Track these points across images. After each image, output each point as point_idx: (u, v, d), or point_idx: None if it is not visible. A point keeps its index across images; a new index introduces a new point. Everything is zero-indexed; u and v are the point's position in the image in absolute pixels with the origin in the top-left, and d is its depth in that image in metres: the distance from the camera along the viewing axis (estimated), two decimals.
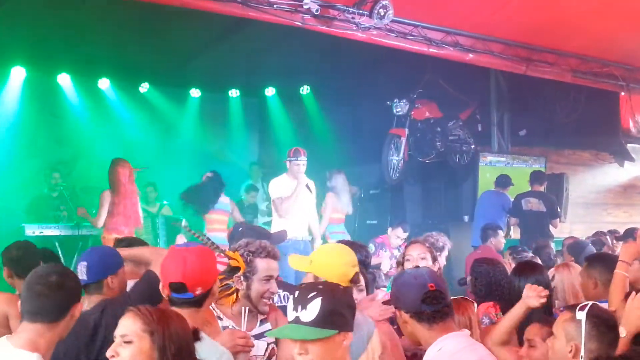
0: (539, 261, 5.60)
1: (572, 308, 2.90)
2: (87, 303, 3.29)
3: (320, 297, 2.42)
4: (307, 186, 7.82)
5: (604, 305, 3.37)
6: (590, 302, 2.90)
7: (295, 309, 2.43)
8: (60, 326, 2.72)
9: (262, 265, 3.29)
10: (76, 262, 3.67)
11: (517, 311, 3.55)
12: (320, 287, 2.49)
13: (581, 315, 2.79)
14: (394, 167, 9.38)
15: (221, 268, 3.18)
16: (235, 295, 3.26)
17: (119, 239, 4.74)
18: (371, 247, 7.61)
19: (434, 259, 4.53)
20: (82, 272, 3.44)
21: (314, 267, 3.18)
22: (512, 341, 3.62)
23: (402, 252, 4.55)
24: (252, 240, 3.40)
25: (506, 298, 4.24)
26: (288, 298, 4.07)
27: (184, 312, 2.62)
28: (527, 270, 4.31)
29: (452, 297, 3.02)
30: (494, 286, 4.47)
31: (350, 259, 3.20)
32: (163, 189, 10.26)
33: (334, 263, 3.15)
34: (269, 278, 3.29)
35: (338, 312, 2.43)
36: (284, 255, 6.47)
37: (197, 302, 2.75)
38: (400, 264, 4.46)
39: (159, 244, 9.20)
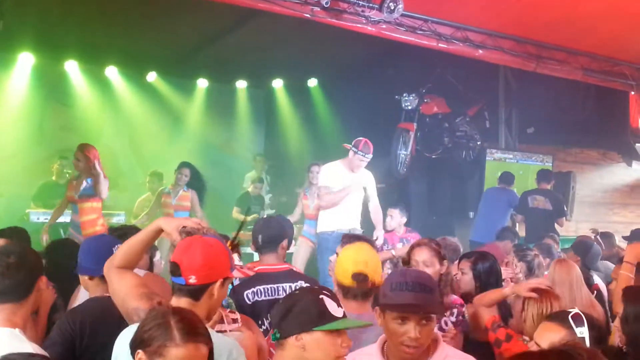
0: (542, 260, 5.54)
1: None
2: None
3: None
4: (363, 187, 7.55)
5: None
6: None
7: (339, 305, 2.54)
8: (29, 301, 2.84)
9: None
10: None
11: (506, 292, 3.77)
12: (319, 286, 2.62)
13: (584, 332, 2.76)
14: (402, 162, 9.36)
15: (237, 275, 2.94)
16: None
17: (113, 228, 4.77)
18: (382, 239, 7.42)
19: (442, 260, 4.15)
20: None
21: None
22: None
23: (408, 252, 4.30)
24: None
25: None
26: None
27: (181, 302, 2.61)
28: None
29: None
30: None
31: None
32: (169, 179, 10.28)
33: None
34: None
35: None
36: (328, 249, 6.38)
37: (193, 294, 2.63)
38: (406, 263, 4.16)
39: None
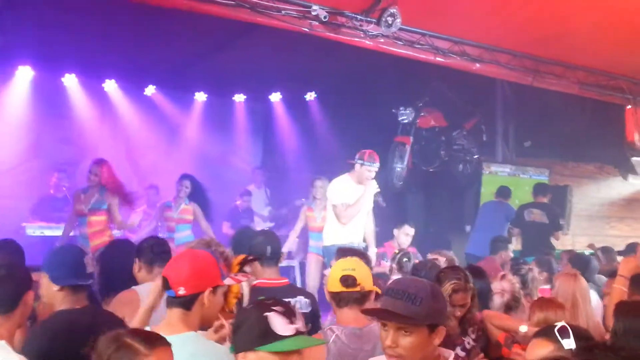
0: (536, 274, 5.55)
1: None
2: None
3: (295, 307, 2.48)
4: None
5: None
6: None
7: (292, 322, 2.36)
8: (16, 315, 2.87)
9: None
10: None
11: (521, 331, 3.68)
12: (287, 300, 2.51)
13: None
14: (398, 175, 9.39)
15: (229, 282, 3.05)
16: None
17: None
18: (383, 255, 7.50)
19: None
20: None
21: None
22: None
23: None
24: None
25: None
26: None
27: (173, 312, 2.74)
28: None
29: None
30: None
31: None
32: (167, 192, 10.28)
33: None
34: None
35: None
36: None
37: (184, 304, 2.76)
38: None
39: None
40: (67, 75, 10.57)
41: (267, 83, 11.73)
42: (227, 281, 2.95)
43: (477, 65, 7.85)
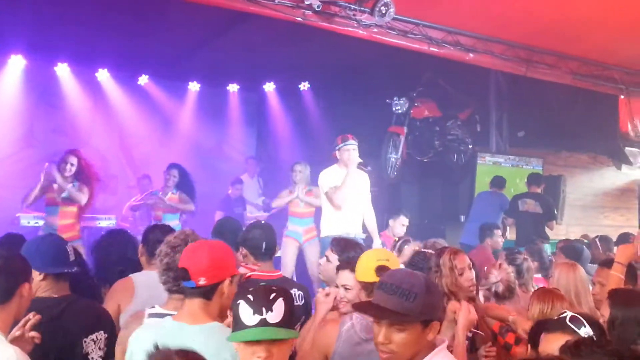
0: (531, 264, 5.56)
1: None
2: None
3: (282, 298, 2.41)
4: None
5: None
6: None
7: (259, 312, 2.36)
8: (12, 306, 2.85)
9: None
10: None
11: (510, 320, 3.76)
12: (275, 288, 2.47)
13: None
14: (392, 166, 9.39)
15: (243, 271, 3.20)
16: None
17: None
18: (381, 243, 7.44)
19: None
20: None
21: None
22: None
23: (436, 262, 3.89)
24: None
25: None
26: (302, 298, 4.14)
27: (194, 302, 2.76)
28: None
29: None
30: None
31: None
32: (160, 182, 10.26)
33: None
34: None
35: (293, 311, 2.46)
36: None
37: (204, 294, 2.78)
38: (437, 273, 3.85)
39: None
40: (59, 64, 10.51)
41: (261, 73, 11.69)
42: (242, 270, 2.98)
43: (471, 55, 7.85)
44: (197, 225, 8.17)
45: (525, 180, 9.67)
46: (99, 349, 3.25)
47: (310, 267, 7.99)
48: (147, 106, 11.41)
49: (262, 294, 2.42)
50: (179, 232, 3.21)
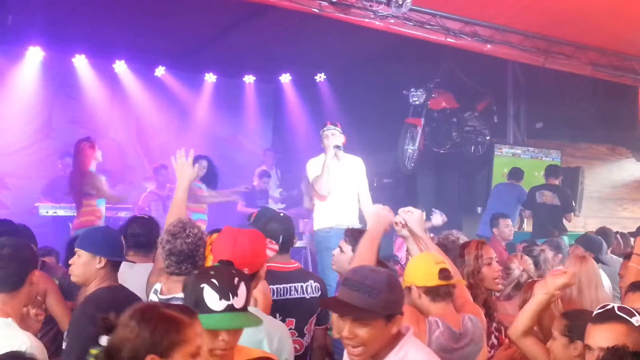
0: (549, 255, 5.53)
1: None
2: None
3: (243, 282, 2.49)
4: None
5: None
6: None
7: (226, 297, 2.40)
8: (22, 293, 2.95)
9: None
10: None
11: (538, 299, 3.39)
12: (234, 271, 2.52)
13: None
14: (409, 157, 9.36)
15: (270, 254, 3.39)
16: None
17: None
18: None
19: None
20: None
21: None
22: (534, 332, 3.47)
23: (461, 252, 3.99)
24: None
25: None
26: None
27: None
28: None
29: None
30: None
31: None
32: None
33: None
34: None
35: (250, 293, 2.59)
36: (327, 248, 6.19)
37: None
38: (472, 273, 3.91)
39: None
40: (77, 55, 10.56)
41: (277, 64, 11.70)
42: (269, 252, 3.15)
43: (489, 46, 7.77)
44: (220, 216, 8.19)
45: (543, 172, 9.62)
46: None
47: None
48: (164, 97, 11.45)
49: (227, 278, 2.45)
50: (177, 220, 3.38)
